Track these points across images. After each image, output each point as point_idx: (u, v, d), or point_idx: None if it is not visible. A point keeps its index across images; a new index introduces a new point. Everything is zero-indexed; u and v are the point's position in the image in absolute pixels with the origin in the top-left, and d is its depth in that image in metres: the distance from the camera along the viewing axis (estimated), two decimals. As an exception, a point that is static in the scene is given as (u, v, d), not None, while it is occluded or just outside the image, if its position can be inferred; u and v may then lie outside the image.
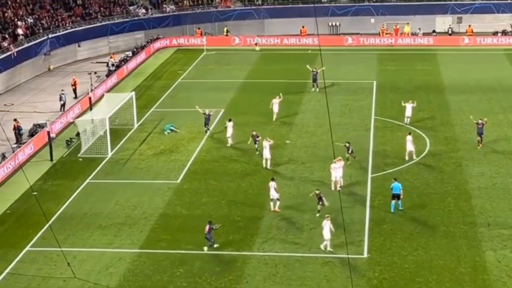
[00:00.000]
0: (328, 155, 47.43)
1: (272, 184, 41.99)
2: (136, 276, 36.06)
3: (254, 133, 49.99)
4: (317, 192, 40.98)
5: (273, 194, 41.81)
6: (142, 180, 47.09)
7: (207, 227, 38.07)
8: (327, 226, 37.26)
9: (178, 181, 46.77)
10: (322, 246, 37.57)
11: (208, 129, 53.79)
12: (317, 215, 40.47)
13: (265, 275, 35.80)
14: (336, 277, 35.45)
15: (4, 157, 49.43)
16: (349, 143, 47.93)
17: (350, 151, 47.63)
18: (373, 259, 37.16)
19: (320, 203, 40.68)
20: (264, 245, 37.92)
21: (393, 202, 41.75)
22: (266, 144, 47.81)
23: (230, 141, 51.70)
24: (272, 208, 41.97)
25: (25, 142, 52.28)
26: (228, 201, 43.63)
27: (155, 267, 36.79)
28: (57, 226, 40.30)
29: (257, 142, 49.64)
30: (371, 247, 38.19)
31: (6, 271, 36.74)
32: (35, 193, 42.79)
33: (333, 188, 44.06)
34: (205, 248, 38.03)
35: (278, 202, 41.99)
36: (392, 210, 41.69)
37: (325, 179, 45.36)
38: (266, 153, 47.85)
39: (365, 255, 37.47)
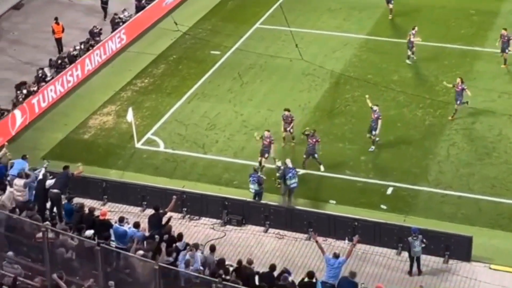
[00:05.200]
0: None
1: None
2: (362, 63, 35.90)
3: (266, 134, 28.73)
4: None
5: None
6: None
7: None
8: None
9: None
10: None
11: None
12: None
13: (494, 73, 34.20)
14: None
15: None
16: None
17: None
18: None
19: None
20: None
21: None
22: None
23: None
24: None
25: None
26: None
27: (382, 56, 36.16)
28: (287, 5, 39.79)
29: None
30: None
31: (236, 46, 37.67)
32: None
33: None
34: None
35: None
36: None
37: None
38: None
39: None
